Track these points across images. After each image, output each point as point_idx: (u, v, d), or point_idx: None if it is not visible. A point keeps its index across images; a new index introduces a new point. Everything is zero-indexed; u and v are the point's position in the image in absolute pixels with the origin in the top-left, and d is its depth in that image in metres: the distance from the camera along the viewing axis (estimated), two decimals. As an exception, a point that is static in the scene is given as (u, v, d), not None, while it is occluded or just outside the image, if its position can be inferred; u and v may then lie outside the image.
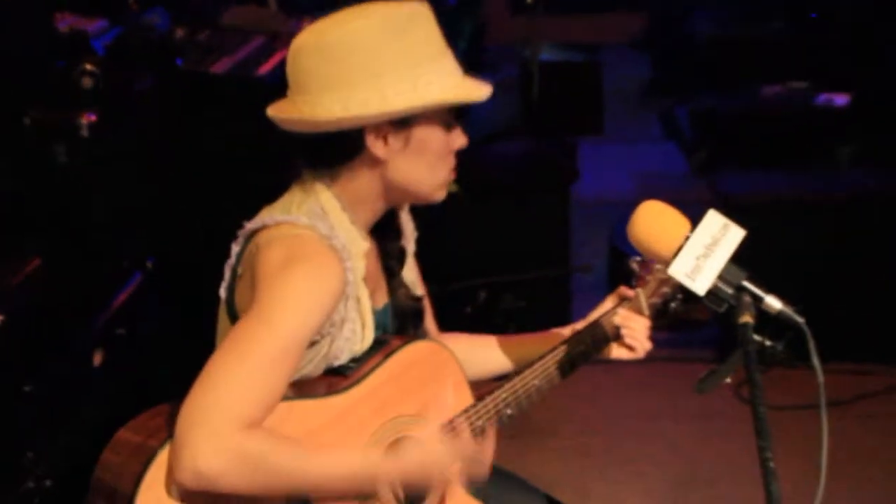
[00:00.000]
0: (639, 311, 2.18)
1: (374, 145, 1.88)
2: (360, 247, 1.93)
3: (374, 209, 1.96)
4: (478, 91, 1.91)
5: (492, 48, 8.15)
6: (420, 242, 2.20)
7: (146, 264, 3.40)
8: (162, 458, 1.71)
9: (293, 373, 1.79)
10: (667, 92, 7.15)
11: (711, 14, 7.16)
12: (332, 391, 1.87)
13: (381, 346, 1.96)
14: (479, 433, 2.01)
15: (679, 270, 1.83)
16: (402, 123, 1.88)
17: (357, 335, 1.93)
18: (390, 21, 1.85)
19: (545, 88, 5.69)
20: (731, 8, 7.06)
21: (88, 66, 3.29)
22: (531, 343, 2.24)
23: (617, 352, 2.19)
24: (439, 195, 1.98)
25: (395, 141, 1.89)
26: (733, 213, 4.82)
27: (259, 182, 2.03)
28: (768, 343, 1.82)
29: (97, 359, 2.99)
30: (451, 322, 4.41)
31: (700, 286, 1.82)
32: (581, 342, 2.16)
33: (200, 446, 1.65)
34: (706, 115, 6.28)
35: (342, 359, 1.92)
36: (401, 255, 2.10)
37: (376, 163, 1.90)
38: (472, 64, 7.44)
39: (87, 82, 3.29)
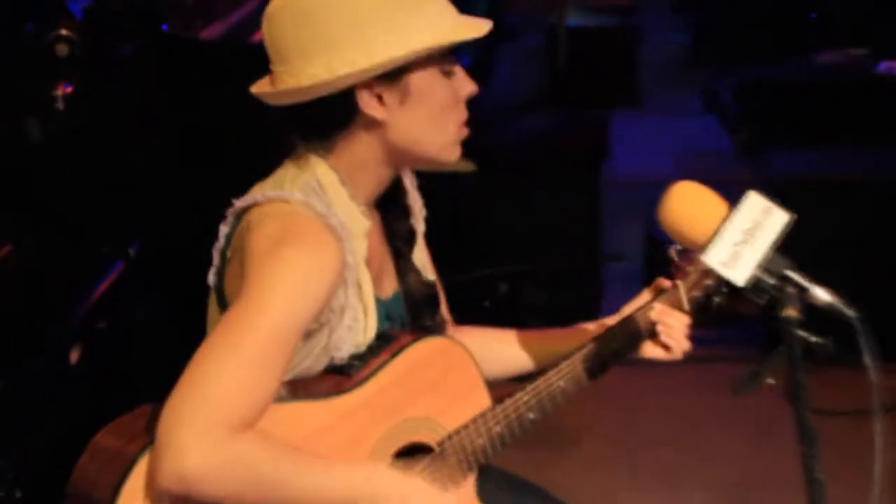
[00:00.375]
0: (678, 306, 2.17)
1: (369, 105, 1.88)
2: (360, 225, 1.92)
3: (377, 178, 1.95)
4: (474, 28, 1.89)
5: (515, 14, 8.16)
6: (431, 225, 2.20)
7: (129, 251, 3.41)
8: (142, 465, 1.71)
9: (288, 365, 1.79)
10: (709, 60, 7.14)
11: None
12: (333, 392, 1.86)
13: (388, 342, 1.96)
14: (498, 443, 2.01)
15: (715, 258, 1.83)
16: (395, 76, 1.87)
17: (359, 324, 1.93)
18: None
19: (574, 56, 5.69)
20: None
21: (64, 31, 3.31)
22: (556, 339, 2.23)
23: (651, 351, 2.17)
24: (450, 153, 1.96)
25: (390, 98, 1.88)
26: (781, 195, 4.83)
27: (253, 159, 2.02)
28: (815, 339, 1.82)
29: (74, 355, 3.01)
30: (467, 317, 4.44)
31: (738, 276, 1.82)
32: (613, 339, 2.16)
33: (186, 447, 1.65)
34: (752, 86, 6.26)
35: (343, 351, 1.91)
36: (410, 236, 2.10)
37: (375, 125, 1.90)
38: (494, 31, 7.47)
39: (62, 49, 3.30)
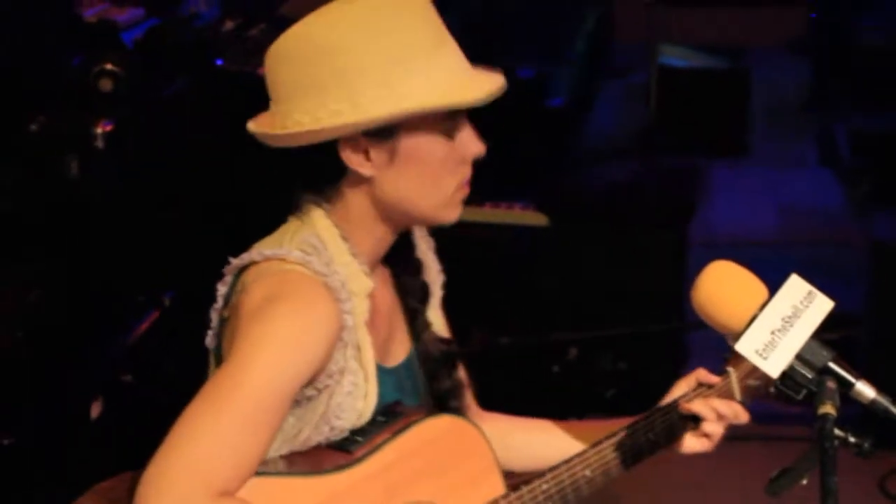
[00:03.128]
0: (728, 396, 2.17)
1: (353, 161, 1.89)
2: (362, 284, 1.94)
3: (376, 235, 1.96)
4: (473, 92, 1.87)
5: (622, 47, 8.16)
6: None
7: (164, 300, 3.47)
8: None
9: (275, 431, 1.81)
10: (827, 107, 7.07)
11: (889, 16, 7.06)
12: (329, 468, 1.87)
13: (394, 418, 1.96)
14: None
15: (749, 346, 1.83)
16: (383, 134, 1.88)
17: (359, 389, 1.93)
18: (370, 14, 1.86)
19: (672, 99, 5.67)
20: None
21: (109, 66, 3.39)
22: (594, 432, 2.19)
23: (690, 441, 2.17)
24: (446, 215, 1.95)
25: (378, 155, 1.89)
26: (892, 263, 4.74)
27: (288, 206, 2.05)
28: (853, 440, 1.82)
29: (95, 410, 3.07)
30: (533, 383, 4.44)
31: (773, 366, 1.82)
32: (650, 429, 2.15)
33: None
34: (872, 138, 6.20)
35: (344, 419, 1.92)
36: (423, 293, 2.09)
37: (364, 180, 1.91)
38: (592, 68, 7.39)
39: (105, 84, 3.39)
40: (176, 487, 1.69)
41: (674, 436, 2.17)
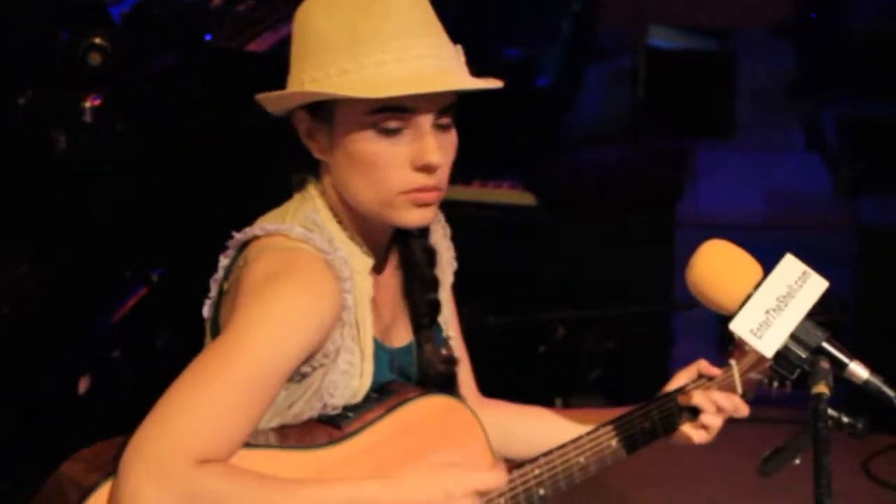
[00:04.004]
0: (730, 389, 2.18)
1: (306, 141, 1.91)
2: (364, 262, 1.94)
3: (362, 222, 1.95)
4: (424, 83, 1.83)
5: (608, 31, 8.15)
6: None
7: (152, 276, 3.47)
8: (99, 495, 1.72)
9: (266, 407, 1.80)
10: (814, 92, 7.08)
11: (876, 1, 7.07)
12: (320, 443, 1.87)
13: (387, 396, 1.95)
14: None
15: (743, 326, 1.83)
16: (320, 117, 1.88)
17: (355, 368, 1.93)
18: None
19: (660, 82, 5.67)
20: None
21: (98, 40, 3.38)
22: (595, 421, 2.18)
23: (687, 432, 2.18)
24: (394, 216, 1.90)
25: (321, 138, 1.90)
26: (878, 247, 4.76)
27: (290, 166, 2.04)
28: (846, 420, 1.82)
29: (83, 385, 3.06)
30: (520, 362, 4.44)
31: (767, 346, 1.82)
32: (647, 418, 2.16)
33: (143, 482, 1.66)
34: (858, 123, 6.21)
35: (337, 397, 1.92)
36: (431, 309, 2.07)
37: (325, 164, 1.93)
38: (578, 49, 7.41)
39: (94, 58, 3.38)
40: (156, 455, 1.68)
41: (671, 426, 2.18)
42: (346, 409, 1.94)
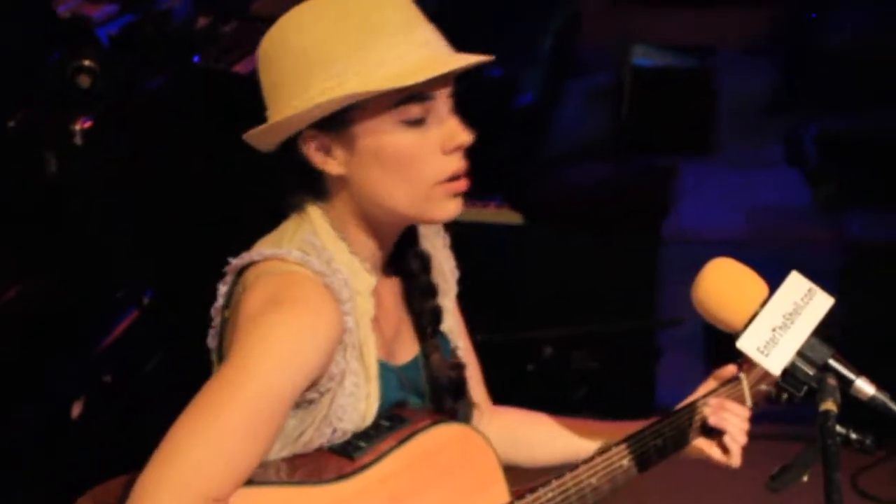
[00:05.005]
0: (740, 401, 2.18)
1: (317, 159, 1.87)
2: (365, 282, 1.92)
3: (371, 236, 1.94)
4: (437, 65, 1.81)
5: (587, 48, 8.17)
6: (471, 280, 2.18)
7: (143, 298, 3.46)
8: None
9: (274, 437, 1.79)
10: (792, 108, 7.12)
11: (853, 18, 7.11)
12: (332, 477, 1.85)
13: (400, 424, 1.94)
14: None
15: (750, 344, 1.84)
16: (336, 127, 1.85)
17: (361, 391, 1.91)
18: (327, 9, 1.84)
19: (645, 99, 5.70)
20: (877, 13, 7.00)
21: (87, 62, 3.38)
22: (605, 433, 2.20)
23: (708, 450, 2.18)
24: (432, 211, 1.88)
25: (339, 150, 1.87)
26: (862, 261, 4.77)
27: (286, 188, 2.02)
28: (854, 436, 1.83)
29: (76, 410, 3.05)
30: (507, 381, 4.44)
31: (774, 364, 1.83)
32: (659, 434, 2.16)
33: None
34: (838, 139, 6.25)
35: (346, 421, 1.90)
36: (434, 315, 2.04)
37: (342, 180, 1.89)
38: (558, 66, 7.41)
39: (84, 80, 3.37)
40: (169, 495, 1.67)
41: (682, 442, 2.18)
42: (357, 437, 1.92)
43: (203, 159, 3.70)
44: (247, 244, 1.95)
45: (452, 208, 1.89)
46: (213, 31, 4.28)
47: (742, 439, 2.14)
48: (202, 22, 4.39)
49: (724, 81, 7.29)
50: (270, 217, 1.99)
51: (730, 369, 2.23)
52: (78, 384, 3.11)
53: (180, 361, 3.36)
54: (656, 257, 4.67)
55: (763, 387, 2.16)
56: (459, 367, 2.07)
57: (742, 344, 1.85)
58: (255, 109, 3.82)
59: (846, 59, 6.78)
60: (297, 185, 1.93)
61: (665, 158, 6.06)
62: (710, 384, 2.24)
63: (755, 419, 2.21)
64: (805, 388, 1.84)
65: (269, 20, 4.44)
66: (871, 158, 5.98)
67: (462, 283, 2.17)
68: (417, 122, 1.85)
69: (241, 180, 3.58)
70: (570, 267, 4.59)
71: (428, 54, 1.84)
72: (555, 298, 4.54)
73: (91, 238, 3.38)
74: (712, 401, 2.16)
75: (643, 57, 6.72)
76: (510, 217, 4.57)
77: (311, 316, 1.80)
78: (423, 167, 1.85)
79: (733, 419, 2.14)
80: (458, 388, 2.06)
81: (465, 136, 1.87)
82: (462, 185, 1.89)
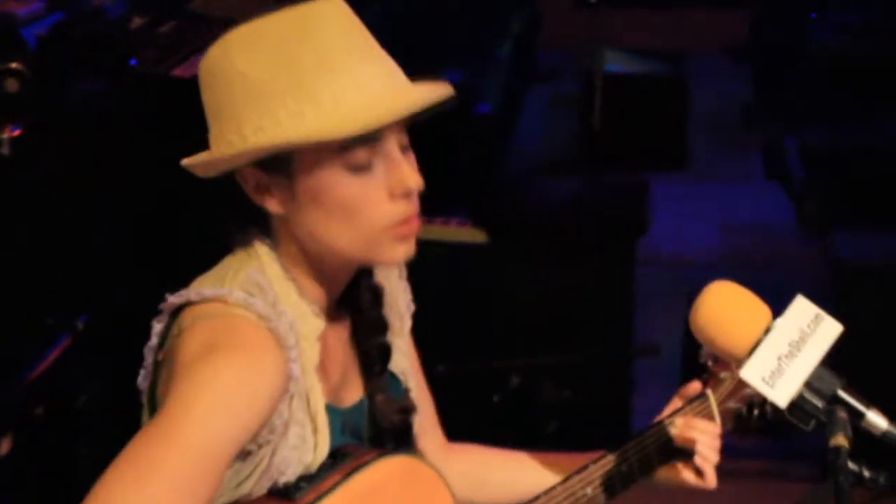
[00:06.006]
0: (709, 419, 2.19)
1: (255, 196, 1.87)
2: (312, 327, 1.91)
3: (320, 277, 1.93)
4: (388, 112, 1.81)
5: (549, 52, 8.22)
6: (430, 307, 2.18)
7: (76, 324, 3.44)
8: None
9: (211, 494, 1.74)
10: (773, 118, 7.19)
11: (837, 20, 7.19)
12: None
13: (342, 461, 1.93)
14: None
15: (754, 374, 1.85)
16: (277, 169, 1.84)
17: (307, 443, 1.90)
18: (268, 37, 1.84)
19: (611, 108, 5.73)
20: (863, 16, 7.07)
21: (14, 65, 3.36)
22: (569, 466, 2.20)
23: (681, 473, 2.17)
24: (382, 255, 1.88)
25: (279, 192, 1.86)
26: (851, 283, 4.82)
27: (215, 224, 2.01)
28: (868, 474, 1.85)
29: (4, 446, 3.03)
30: (471, 414, 4.45)
31: (780, 395, 1.85)
32: (624, 459, 2.17)
33: None
34: (823, 151, 6.31)
35: (289, 475, 1.89)
36: (382, 352, 2.03)
37: (283, 217, 1.89)
38: (519, 72, 7.45)
39: (11, 85, 3.35)
40: None
41: (650, 467, 2.18)
42: (301, 478, 1.90)
43: (141, 172, 3.69)
44: (188, 269, 1.93)
45: (401, 252, 1.89)
46: (151, 31, 4.26)
47: (714, 458, 2.13)
48: (137, 21, 4.38)
49: (698, 88, 7.35)
50: (213, 241, 1.98)
51: (695, 386, 2.23)
52: (4, 418, 3.08)
53: (118, 393, 3.35)
54: (631, 279, 4.69)
55: (732, 404, 2.17)
56: (407, 410, 2.07)
57: (746, 374, 1.86)
58: (198, 118, 3.81)
59: (831, 64, 6.85)
60: (242, 218, 1.92)
61: (636, 172, 6.10)
62: (675, 403, 2.24)
63: (747, 455, 2.23)
64: (813, 421, 1.86)
65: (210, 19, 4.44)
66: (860, 172, 6.03)
67: (421, 307, 2.16)
68: (363, 167, 1.85)
69: (183, 198, 3.59)
70: (538, 290, 4.60)
71: (375, 93, 1.83)
72: (522, 324, 4.54)
73: (18, 257, 3.35)
74: (678, 420, 2.17)
75: (614, 62, 6.75)
76: (473, 235, 4.58)
77: (253, 362, 1.78)
78: (369, 214, 1.85)
79: (702, 437, 2.13)
80: (402, 434, 2.06)
81: (414, 181, 1.86)
82: (412, 227, 1.89)
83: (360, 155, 1.83)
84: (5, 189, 3.28)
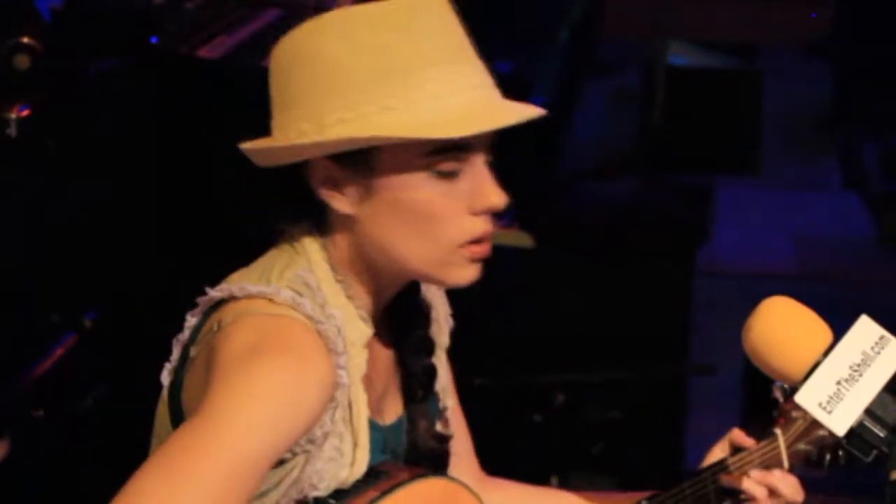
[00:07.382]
0: (776, 463, 2.17)
1: (324, 192, 1.89)
2: (361, 332, 1.93)
3: (371, 284, 1.95)
4: (487, 120, 1.82)
5: (612, 44, 8.20)
6: (468, 317, 2.19)
7: (84, 321, 3.45)
8: None
9: (245, 502, 1.77)
10: (853, 121, 7.15)
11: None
12: None
13: (378, 479, 1.94)
14: None
15: (811, 399, 1.85)
16: (356, 164, 1.86)
17: (345, 457, 1.91)
18: (360, 25, 1.85)
19: (674, 104, 5.72)
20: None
21: (25, 39, 3.37)
22: None
23: None
24: (449, 275, 1.91)
25: (352, 189, 1.88)
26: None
27: (259, 215, 2.00)
28: (931, 512, 1.84)
29: (2, 449, 3.05)
30: (510, 433, 4.45)
31: (839, 423, 1.84)
32: (678, 501, 2.13)
33: None
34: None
35: (321, 489, 1.90)
36: (427, 375, 2.05)
37: (348, 218, 1.91)
38: (579, 65, 7.47)
39: (22, 61, 3.37)
40: None
41: None
42: (330, 494, 1.92)
43: (160, 157, 3.70)
44: (219, 264, 1.95)
45: (471, 274, 1.92)
46: (175, 7, 4.27)
47: None
48: (160, -4, 4.40)
49: (771, 86, 7.31)
50: (247, 237, 1.98)
51: (740, 435, 2.18)
52: (3, 420, 3.10)
53: (126, 395, 3.36)
54: (689, 292, 4.67)
55: (802, 446, 2.14)
56: (444, 438, 2.09)
57: (801, 399, 1.86)
58: (223, 102, 3.82)
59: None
60: (295, 211, 1.94)
61: (701, 175, 6.08)
62: (719, 449, 2.17)
63: (805, 488, 2.21)
64: (874, 452, 1.85)
65: (243, -2, 4.39)
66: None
67: (459, 315, 2.17)
68: (449, 175, 1.86)
69: (210, 188, 3.60)
70: (586, 300, 4.59)
71: (473, 100, 1.84)
72: (568, 337, 4.53)
73: (22, 249, 3.37)
74: (754, 473, 2.14)
75: (679, 55, 6.73)
76: (519, 239, 4.57)
77: (301, 367, 1.80)
78: (447, 226, 1.87)
79: (785, 487, 2.08)
80: (440, 461, 2.07)
81: (498, 199, 1.88)
82: (485, 249, 1.91)
83: (448, 163, 1.85)
84: (11, 173, 3.29)
